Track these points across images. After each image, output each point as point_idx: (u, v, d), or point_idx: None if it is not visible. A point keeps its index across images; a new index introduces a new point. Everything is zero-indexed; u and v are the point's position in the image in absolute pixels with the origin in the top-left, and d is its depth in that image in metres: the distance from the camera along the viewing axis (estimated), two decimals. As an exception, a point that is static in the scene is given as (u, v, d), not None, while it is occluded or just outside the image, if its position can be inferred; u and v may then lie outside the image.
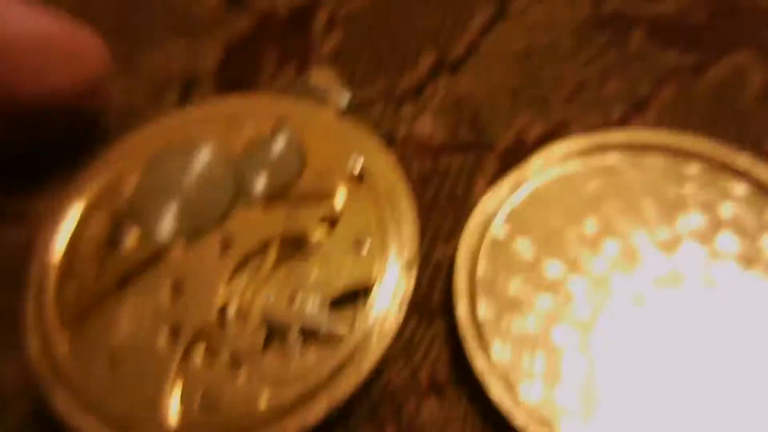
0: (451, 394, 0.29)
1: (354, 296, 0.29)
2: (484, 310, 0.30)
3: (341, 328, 0.28)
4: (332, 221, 0.30)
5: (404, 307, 0.28)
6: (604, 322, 0.30)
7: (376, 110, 0.37)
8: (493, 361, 0.29)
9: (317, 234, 0.30)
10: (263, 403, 0.26)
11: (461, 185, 0.35)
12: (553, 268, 0.32)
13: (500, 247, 0.32)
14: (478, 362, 0.29)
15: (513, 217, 0.33)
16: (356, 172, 0.31)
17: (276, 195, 0.30)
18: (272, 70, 0.38)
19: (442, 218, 0.34)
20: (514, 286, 0.31)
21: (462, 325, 0.30)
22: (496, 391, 0.28)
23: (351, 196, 0.31)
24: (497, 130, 0.36)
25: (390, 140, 0.36)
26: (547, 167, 0.34)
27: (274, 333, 0.28)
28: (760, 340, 0.29)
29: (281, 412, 0.26)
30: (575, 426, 0.27)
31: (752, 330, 0.29)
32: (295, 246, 0.30)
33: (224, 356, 0.27)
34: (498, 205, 0.33)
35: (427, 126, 0.37)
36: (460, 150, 0.36)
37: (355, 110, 0.35)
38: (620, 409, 0.27)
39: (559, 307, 0.30)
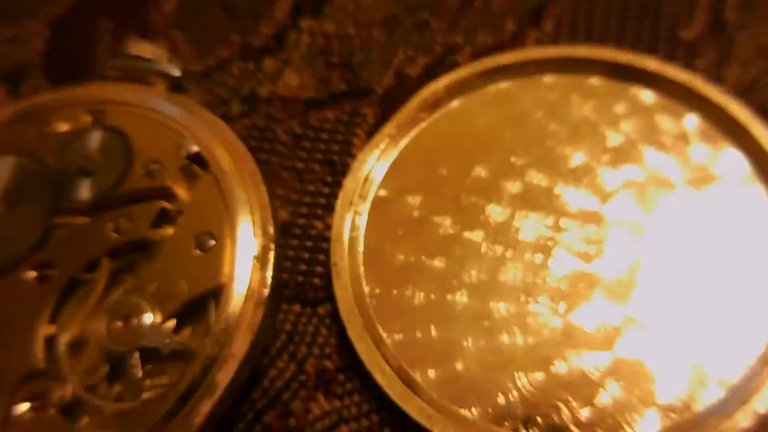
0: (340, 388, 0.25)
1: (207, 300, 0.25)
2: (368, 287, 0.26)
3: (192, 341, 0.24)
4: (173, 219, 0.25)
5: (261, 307, 0.24)
6: (508, 279, 0.25)
7: (234, 69, 0.32)
8: (382, 345, 0.25)
9: (157, 236, 0.25)
10: None
11: (338, 142, 0.30)
12: (444, 225, 0.27)
13: (384, 210, 0.28)
14: (364, 349, 0.24)
15: (396, 172, 0.28)
16: (191, 157, 0.26)
17: (102, 200, 0.25)
18: (108, 45, 0.33)
19: (318, 184, 0.30)
20: (402, 254, 0.26)
21: (344, 308, 0.25)
22: (386, 380, 0.24)
23: (191, 186, 0.26)
24: (374, 72, 0.31)
25: (252, 101, 0.31)
26: (433, 106, 0.29)
27: (115, 362, 0.24)
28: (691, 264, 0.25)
29: None
30: (480, 410, 0.23)
31: (682, 258, 0.25)
32: (131, 256, 0.25)
33: (57, 403, 0.22)
34: (378, 159, 0.29)
35: (293, 79, 0.32)
36: (333, 101, 0.31)
37: (194, 83, 0.30)
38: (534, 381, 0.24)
39: (454, 271, 0.26)
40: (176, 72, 0.28)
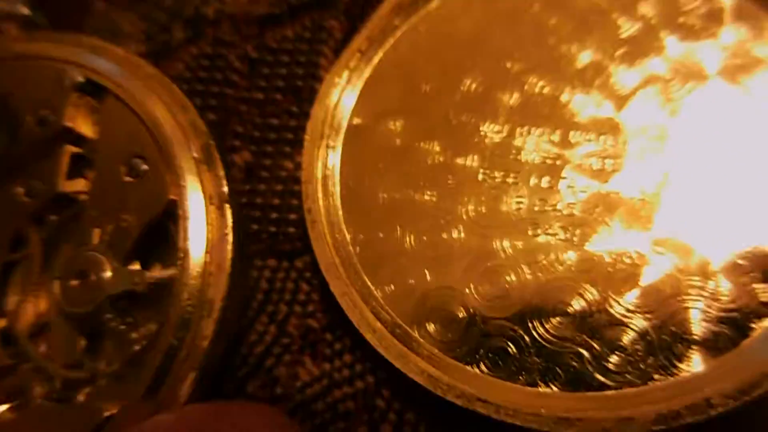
0: (329, 350, 0.22)
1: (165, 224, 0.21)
2: (349, 232, 0.22)
3: (166, 271, 0.21)
4: (90, 159, 0.22)
5: (226, 206, 0.21)
6: (511, 210, 0.22)
7: (173, -11, 0.27)
8: (371, 299, 0.21)
9: (79, 185, 0.22)
10: (113, 410, 0.20)
11: (301, 65, 0.26)
12: (433, 152, 0.23)
13: (360, 140, 0.23)
14: (350, 305, 0.21)
15: (371, 94, 0.24)
16: (79, 86, 0.22)
17: None
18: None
19: (283, 117, 0.25)
20: (385, 190, 0.22)
21: (323, 260, 0.22)
22: (379, 338, 0.21)
23: (95, 117, 0.22)
24: (335, -26, 0.26)
25: (197, 24, 0.27)
26: (408, 10, 0.24)
27: (90, 327, 0.21)
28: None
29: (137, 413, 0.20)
30: (490, 365, 0.20)
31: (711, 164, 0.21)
32: (60, 214, 0.22)
33: (43, 393, 0.20)
34: (349, 81, 0.24)
35: (242, -7, 0.27)
36: (292, 16, 0.26)
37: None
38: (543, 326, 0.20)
39: (447, 205, 0.22)
40: (24, 9, 0.24)
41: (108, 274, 0.20)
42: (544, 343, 0.20)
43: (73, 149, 0.22)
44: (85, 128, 0.22)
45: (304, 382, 0.22)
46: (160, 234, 0.21)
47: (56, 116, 0.22)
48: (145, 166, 0.21)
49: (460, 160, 0.22)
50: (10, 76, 0.23)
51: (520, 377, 0.19)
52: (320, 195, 0.22)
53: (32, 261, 0.21)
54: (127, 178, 0.21)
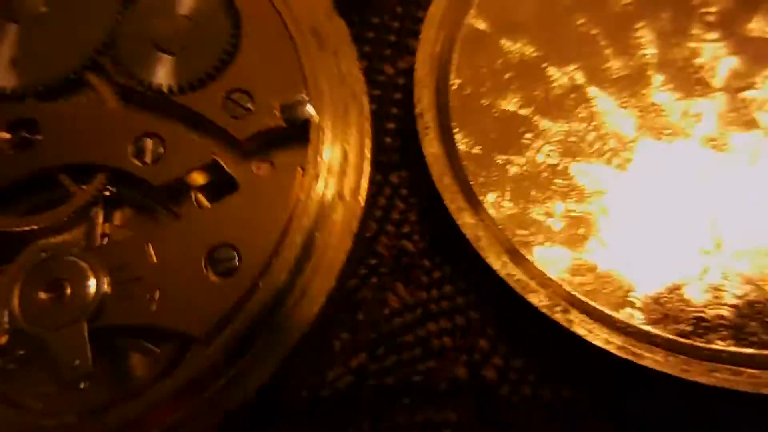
0: (425, 277, 0.19)
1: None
2: (465, 145, 0.20)
3: (108, 383, 0.16)
4: (224, 185, 0.17)
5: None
6: (646, 148, 0.19)
7: None
8: (488, 218, 0.18)
9: (179, 196, 0.17)
10: None
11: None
12: (565, 74, 0.20)
13: (483, 47, 0.20)
14: (466, 221, 0.18)
15: (497, -1, 0.22)
16: (293, 119, 0.17)
17: (170, 95, 0.17)
18: None
19: (383, 17, 0.22)
20: (507, 105, 0.20)
21: (435, 170, 0.19)
22: (498, 261, 0.18)
23: (265, 156, 0.17)
24: None
25: None
26: None
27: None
28: None
29: None
30: (645, 315, 0.17)
31: None
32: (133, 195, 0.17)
33: None
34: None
35: None
36: None
37: None
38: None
39: (578, 132, 0.19)
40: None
41: (91, 287, 0.16)
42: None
43: (220, 156, 0.17)
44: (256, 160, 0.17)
45: (394, 310, 0.19)
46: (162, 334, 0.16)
47: (252, 118, 0.17)
48: (235, 262, 0.16)
49: (593, 87, 0.20)
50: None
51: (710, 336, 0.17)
52: (432, 100, 0.20)
53: (83, 195, 0.17)
54: (212, 275, 0.16)
